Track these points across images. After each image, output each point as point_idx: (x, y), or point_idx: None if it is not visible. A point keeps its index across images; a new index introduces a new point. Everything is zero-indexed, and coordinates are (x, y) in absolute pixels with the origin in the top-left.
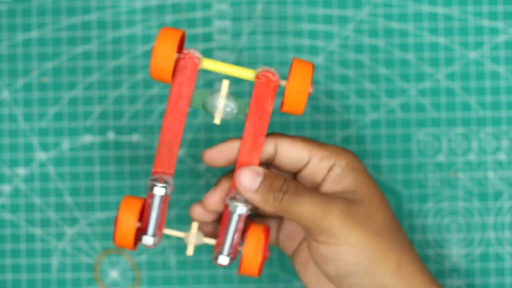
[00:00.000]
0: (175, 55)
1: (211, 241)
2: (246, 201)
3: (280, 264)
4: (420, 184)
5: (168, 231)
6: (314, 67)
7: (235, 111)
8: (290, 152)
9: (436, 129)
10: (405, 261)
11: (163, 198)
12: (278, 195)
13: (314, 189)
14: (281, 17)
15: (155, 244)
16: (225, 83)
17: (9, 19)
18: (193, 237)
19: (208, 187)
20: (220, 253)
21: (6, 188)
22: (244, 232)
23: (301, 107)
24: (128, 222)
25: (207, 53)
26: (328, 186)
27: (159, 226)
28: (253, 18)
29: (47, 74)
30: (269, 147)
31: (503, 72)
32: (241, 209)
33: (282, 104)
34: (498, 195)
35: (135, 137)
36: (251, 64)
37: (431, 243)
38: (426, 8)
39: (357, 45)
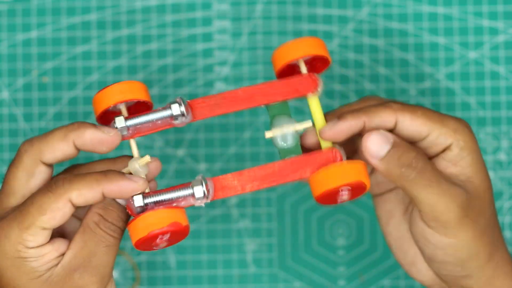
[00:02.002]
0: None
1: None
2: (206, 197)
3: (280, 264)
4: None
5: (133, 144)
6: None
7: (284, 146)
8: (410, 128)
9: None
10: (496, 254)
11: (168, 119)
12: (406, 171)
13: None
14: (281, 17)
15: (116, 136)
16: (306, 125)
17: (9, 19)
18: (137, 165)
19: None
20: (144, 197)
21: None
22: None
23: (316, 194)
24: (119, 93)
25: (207, 53)
26: (444, 165)
27: (137, 130)
28: (253, 18)
29: (47, 74)
30: (389, 120)
31: (503, 72)
32: (199, 192)
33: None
34: (498, 195)
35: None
36: (251, 64)
37: None
38: (426, 8)
39: (357, 45)
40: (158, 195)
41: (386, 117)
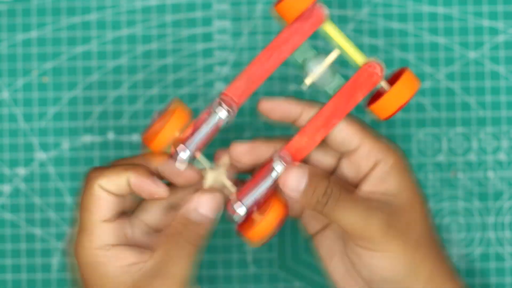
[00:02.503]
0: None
1: (231, 187)
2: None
3: (280, 264)
4: (420, 184)
5: (201, 158)
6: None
7: (328, 83)
8: (342, 132)
9: (436, 129)
10: (438, 272)
11: (219, 122)
12: (322, 199)
13: (355, 187)
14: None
15: (185, 165)
16: (335, 54)
17: (9, 19)
18: (215, 173)
19: None
20: (242, 203)
21: (6, 188)
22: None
23: (388, 114)
24: (170, 125)
25: (207, 53)
26: (371, 184)
27: (197, 148)
28: (253, 18)
29: (47, 74)
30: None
31: (503, 72)
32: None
33: (371, 102)
34: (498, 195)
35: (135, 137)
36: None
37: None
38: (426, 8)
39: (357, 45)
40: (250, 195)
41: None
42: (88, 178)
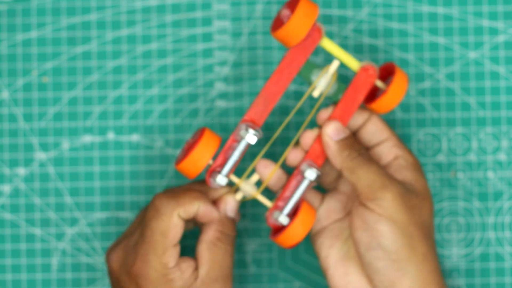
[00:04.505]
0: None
1: (264, 201)
2: (317, 169)
3: (280, 264)
4: None
5: (232, 177)
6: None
7: (333, 91)
8: (375, 125)
9: (436, 129)
10: (430, 260)
11: (248, 145)
12: (353, 152)
13: None
14: None
15: (222, 186)
16: (335, 64)
17: (9, 19)
18: (248, 186)
19: None
20: (281, 213)
21: (6, 188)
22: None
23: (389, 109)
24: (203, 155)
25: (207, 53)
26: (390, 172)
27: (231, 170)
28: (253, 18)
29: (47, 74)
30: (364, 116)
31: (503, 72)
32: (311, 174)
33: (373, 101)
34: (498, 195)
35: (135, 137)
36: (251, 64)
37: None
38: (426, 8)
39: (357, 45)
40: (289, 202)
41: (362, 114)
42: (162, 205)
